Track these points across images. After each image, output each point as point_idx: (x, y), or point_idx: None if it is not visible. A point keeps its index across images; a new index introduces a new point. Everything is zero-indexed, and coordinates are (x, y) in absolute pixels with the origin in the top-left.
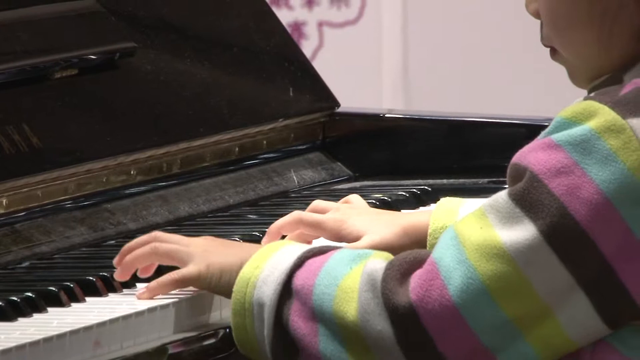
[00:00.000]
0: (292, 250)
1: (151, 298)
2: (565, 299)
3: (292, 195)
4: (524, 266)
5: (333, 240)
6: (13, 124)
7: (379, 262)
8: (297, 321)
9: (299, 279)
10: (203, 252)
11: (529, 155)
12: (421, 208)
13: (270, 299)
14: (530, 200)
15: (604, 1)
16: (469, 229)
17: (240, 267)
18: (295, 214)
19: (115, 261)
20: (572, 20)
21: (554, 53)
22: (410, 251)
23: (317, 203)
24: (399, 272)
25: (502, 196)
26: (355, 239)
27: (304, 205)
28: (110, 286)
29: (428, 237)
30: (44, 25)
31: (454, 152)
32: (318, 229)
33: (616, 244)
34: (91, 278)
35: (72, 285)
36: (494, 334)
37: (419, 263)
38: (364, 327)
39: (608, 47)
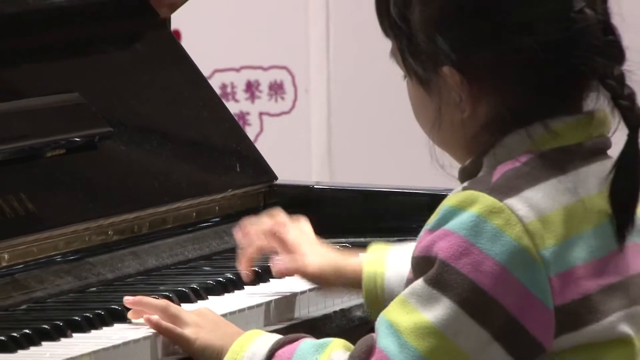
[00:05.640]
0: (263, 342)
1: (135, 319)
2: (486, 351)
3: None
4: (453, 336)
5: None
6: (13, 194)
7: (341, 353)
8: None
9: None
10: (196, 326)
11: (434, 246)
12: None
13: None
14: (444, 281)
15: (440, 101)
16: (399, 317)
17: (220, 350)
18: (272, 225)
19: (129, 301)
20: (426, 118)
21: None
22: (364, 339)
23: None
24: None
25: (418, 283)
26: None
27: None
28: (92, 325)
29: (363, 280)
30: (37, 114)
31: (369, 216)
32: (282, 244)
33: (518, 301)
34: (77, 318)
35: (61, 324)
36: None
37: (371, 351)
38: None
39: (461, 142)
